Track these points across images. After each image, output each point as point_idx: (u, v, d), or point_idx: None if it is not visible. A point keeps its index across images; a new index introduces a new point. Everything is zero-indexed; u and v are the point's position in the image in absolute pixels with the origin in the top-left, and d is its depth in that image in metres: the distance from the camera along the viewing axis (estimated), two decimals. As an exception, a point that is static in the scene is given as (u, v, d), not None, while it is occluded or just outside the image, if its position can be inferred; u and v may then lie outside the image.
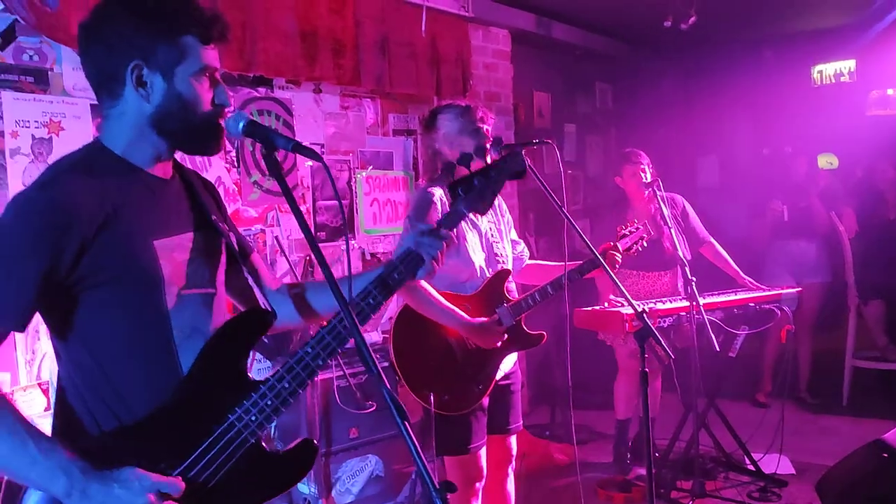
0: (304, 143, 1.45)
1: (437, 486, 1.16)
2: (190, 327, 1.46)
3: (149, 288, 1.40)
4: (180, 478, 1.34)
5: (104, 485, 1.26)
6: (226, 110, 1.50)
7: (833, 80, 6.32)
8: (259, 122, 1.48)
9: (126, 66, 1.40)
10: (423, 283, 2.51)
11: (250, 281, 1.69)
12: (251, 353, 1.53)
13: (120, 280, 1.37)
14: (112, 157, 1.44)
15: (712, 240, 4.21)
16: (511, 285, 2.78)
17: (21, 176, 2.94)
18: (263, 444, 1.48)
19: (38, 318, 1.38)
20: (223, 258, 1.60)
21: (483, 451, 2.71)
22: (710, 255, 4.21)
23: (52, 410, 1.44)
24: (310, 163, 4.06)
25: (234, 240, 1.62)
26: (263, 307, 1.60)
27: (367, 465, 3.82)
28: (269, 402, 1.43)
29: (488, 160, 2.71)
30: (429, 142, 2.81)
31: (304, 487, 3.57)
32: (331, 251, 4.19)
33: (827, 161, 6.12)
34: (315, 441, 1.57)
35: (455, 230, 1.73)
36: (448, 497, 1.16)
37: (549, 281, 2.72)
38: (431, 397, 2.51)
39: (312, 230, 4.13)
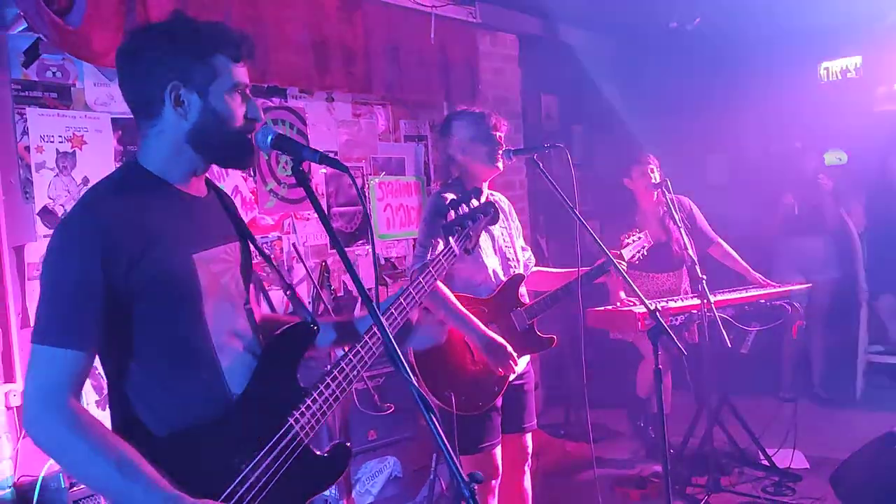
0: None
1: (466, 478, 1.21)
2: (227, 332, 1.55)
3: (189, 299, 1.49)
4: None
5: None
6: (257, 124, 1.58)
7: (840, 77, 6.34)
8: (286, 136, 1.55)
9: (165, 87, 1.49)
10: (442, 287, 2.57)
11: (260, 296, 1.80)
12: (299, 364, 1.62)
13: (163, 294, 1.45)
14: (148, 176, 1.52)
15: (720, 240, 4.27)
16: (523, 289, 2.84)
17: (47, 189, 3.03)
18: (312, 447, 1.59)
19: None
20: (250, 267, 1.69)
21: (498, 450, 2.76)
22: (718, 255, 4.26)
23: (110, 422, 1.51)
24: (324, 170, 4.14)
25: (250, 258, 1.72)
26: (309, 321, 1.68)
27: (385, 467, 3.89)
28: (319, 406, 1.57)
29: (500, 167, 2.79)
30: (443, 147, 2.89)
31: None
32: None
33: (836, 157, 6.15)
34: (348, 444, 1.67)
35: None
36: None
37: (560, 286, 2.79)
38: (453, 398, 2.57)
39: (327, 237, 4.20)
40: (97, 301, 1.37)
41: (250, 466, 1.47)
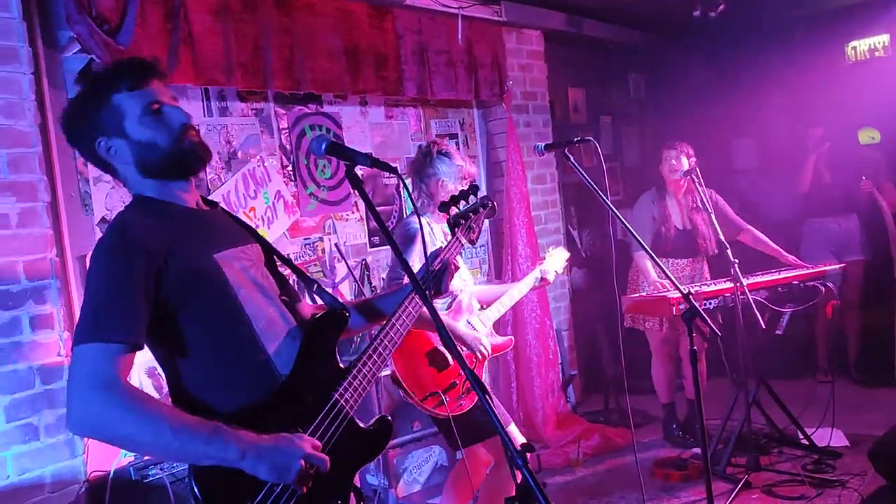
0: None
1: (518, 449, 1.33)
2: (267, 320, 1.68)
3: (223, 293, 1.62)
4: (328, 458, 1.56)
5: (271, 445, 1.49)
6: (190, 124, 1.67)
7: (867, 56, 6.32)
8: (339, 143, 1.68)
9: (95, 147, 1.64)
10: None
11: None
12: (336, 345, 1.77)
13: (196, 292, 1.58)
14: (153, 202, 1.67)
15: (749, 226, 4.33)
16: (474, 302, 3.07)
17: (104, 201, 3.21)
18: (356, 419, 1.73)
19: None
20: (275, 269, 1.84)
21: (512, 427, 2.94)
22: (749, 241, 4.32)
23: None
24: (360, 172, 4.28)
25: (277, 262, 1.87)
26: (342, 306, 1.82)
27: (431, 456, 4.03)
28: (359, 382, 1.72)
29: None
30: (420, 178, 3.07)
31: (373, 479, 3.78)
32: (384, 254, 4.40)
33: (868, 136, 6.12)
34: (389, 417, 1.81)
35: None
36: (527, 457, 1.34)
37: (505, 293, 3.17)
38: (444, 397, 2.72)
39: (366, 237, 4.35)
40: (139, 301, 1.49)
41: (309, 431, 1.60)
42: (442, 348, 2.85)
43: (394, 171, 1.63)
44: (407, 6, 4.29)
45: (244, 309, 1.63)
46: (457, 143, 4.87)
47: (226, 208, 1.89)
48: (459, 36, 4.58)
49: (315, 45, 3.85)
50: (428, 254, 1.99)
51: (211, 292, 1.60)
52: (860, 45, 6.40)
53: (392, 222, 4.50)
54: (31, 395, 2.85)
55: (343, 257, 4.10)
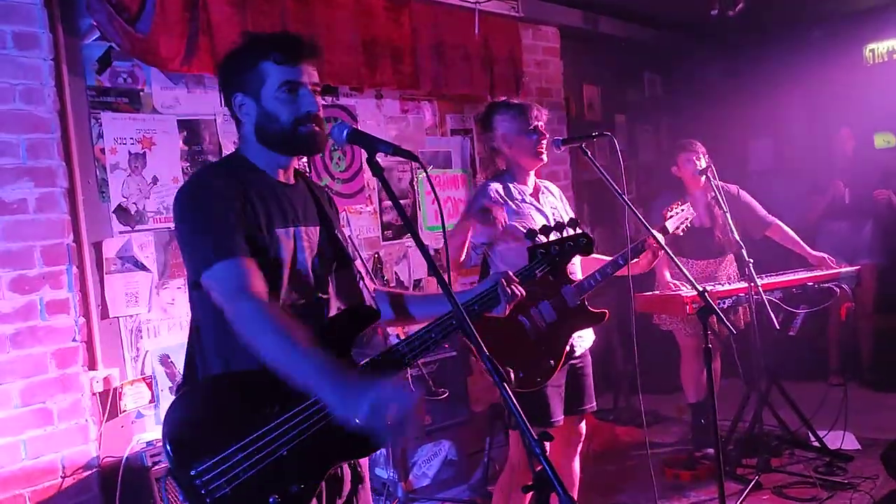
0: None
1: (536, 437, 1.33)
2: (297, 299, 1.75)
3: (269, 266, 1.68)
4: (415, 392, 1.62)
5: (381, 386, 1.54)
6: (315, 115, 1.74)
7: (886, 59, 6.27)
8: (361, 130, 1.69)
9: (232, 98, 1.78)
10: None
11: (357, 281, 1.96)
12: (355, 341, 1.79)
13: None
14: (245, 162, 1.78)
15: (778, 221, 4.26)
16: (575, 267, 2.93)
17: (121, 188, 3.22)
18: None
19: (142, 317, 1.65)
20: (332, 253, 1.87)
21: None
22: (778, 237, 4.26)
23: (185, 351, 1.81)
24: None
25: (345, 245, 1.92)
26: (370, 305, 1.83)
27: (441, 450, 4.03)
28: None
29: (544, 158, 2.91)
30: (486, 140, 3.02)
31: (383, 472, 3.78)
32: (397, 248, 4.41)
33: (884, 140, 6.08)
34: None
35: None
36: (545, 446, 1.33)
37: (607, 262, 2.88)
38: (512, 374, 2.68)
39: (379, 230, 4.35)
40: (239, 219, 1.63)
41: (287, 416, 1.61)
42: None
43: (415, 158, 1.63)
44: (423, 0, 4.28)
45: (281, 286, 1.70)
46: (471, 139, 4.86)
47: (312, 181, 1.97)
48: (476, 31, 4.57)
49: (333, 38, 3.85)
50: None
51: (260, 262, 1.66)
52: (879, 48, 6.36)
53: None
54: (45, 380, 2.87)
55: (356, 249, 4.10)
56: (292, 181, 1.84)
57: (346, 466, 1.82)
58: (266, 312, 1.58)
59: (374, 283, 2.03)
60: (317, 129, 1.74)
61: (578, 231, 2.24)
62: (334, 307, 1.86)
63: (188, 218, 1.68)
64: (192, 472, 1.53)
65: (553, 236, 2.23)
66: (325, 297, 1.83)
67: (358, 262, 1.99)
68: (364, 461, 1.91)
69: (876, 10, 5.99)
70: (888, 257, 5.31)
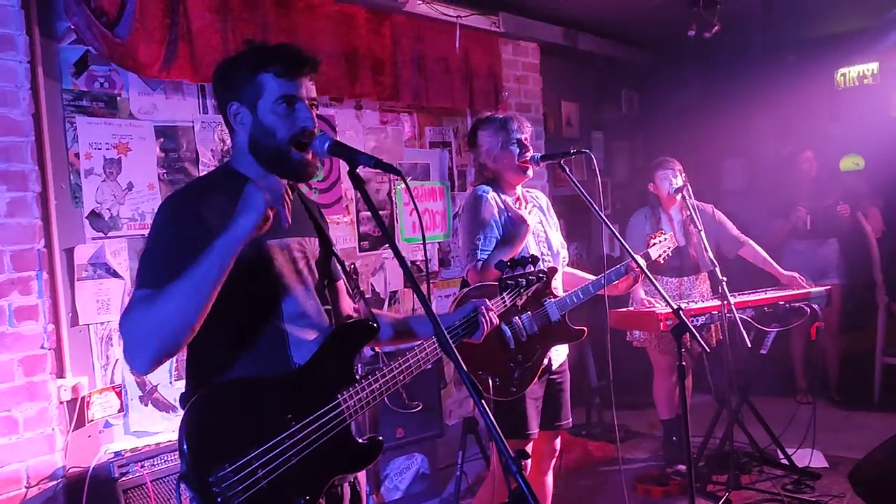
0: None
1: (513, 455, 1.33)
2: (297, 314, 1.73)
3: (263, 279, 1.68)
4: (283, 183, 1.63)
5: (238, 213, 1.55)
6: (312, 131, 1.72)
7: (856, 83, 6.41)
8: (342, 143, 1.68)
9: (228, 106, 1.74)
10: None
11: (354, 297, 1.97)
12: (357, 354, 1.79)
13: (239, 274, 1.61)
14: (236, 175, 1.75)
15: (750, 241, 4.32)
16: (556, 283, 2.94)
17: (95, 194, 3.17)
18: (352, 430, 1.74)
19: (113, 325, 1.63)
20: (330, 267, 1.89)
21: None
22: (749, 256, 4.31)
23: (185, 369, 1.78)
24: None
25: (341, 261, 1.93)
26: (371, 321, 1.83)
27: (413, 463, 4.00)
28: (367, 394, 1.74)
29: (530, 174, 2.93)
30: (474, 156, 3.06)
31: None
32: (373, 259, 4.40)
33: (853, 162, 6.21)
34: (380, 438, 1.81)
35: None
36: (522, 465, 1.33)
37: (590, 281, 2.90)
38: (489, 381, 2.68)
39: (356, 241, 4.34)
40: (189, 257, 1.55)
41: (299, 426, 1.62)
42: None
43: (397, 172, 1.63)
44: (405, 12, 4.30)
45: (280, 297, 1.70)
46: (450, 152, 4.87)
47: (304, 194, 1.95)
48: (457, 44, 4.59)
49: (314, 47, 3.84)
50: None
51: (254, 274, 1.66)
52: (850, 72, 6.50)
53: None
54: (11, 388, 2.81)
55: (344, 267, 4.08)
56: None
57: (346, 486, 1.81)
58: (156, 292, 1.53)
59: (349, 309, 2.02)
60: (309, 158, 1.73)
61: (539, 268, 2.33)
62: (335, 320, 1.86)
63: (149, 235, 1.68)
64: (211, 479, 1.51)
65: (518, 270, 2.31)
66: (328, 308, 1.82)
67: (339, 283, 1.98)
68: (363, 482, 1.91)
69: (847, 35, 6.13)
70: (853, 277, 5.40)
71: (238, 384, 1.64)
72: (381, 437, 1.80)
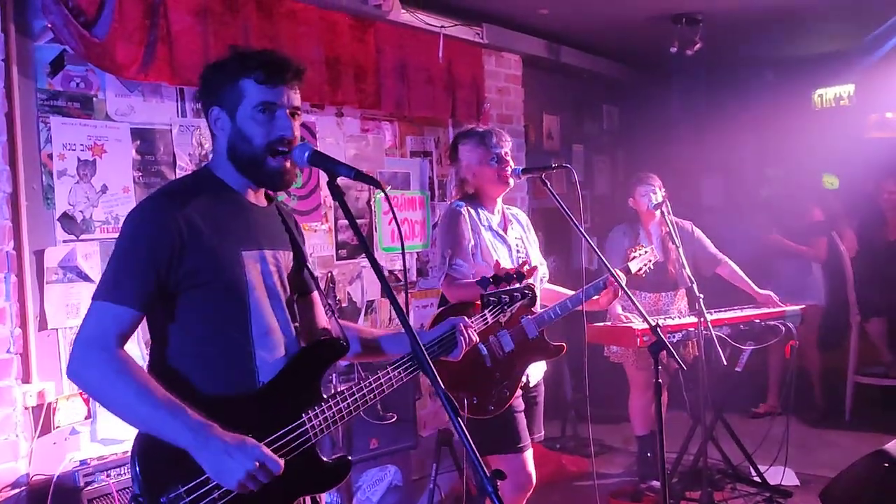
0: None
1: (489, 474, 1.30)
2: (267, 328, 1.69)
3: (232, 290, 1.64)
4: (283, 461, 1.54)
5: (223, 443, 1.48)
6: (290, 140, 1.69)
7: (833, 104, 6.50)
8: (323, 153, 1.66)
9: (209, 111, 1.74)
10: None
11: (327, 313, 1.95)
12: (325, 373, 1.77)
13: (208, 283, 1.60)
14: (214, 180, 1.72)
15: (727, 259, 4.33)
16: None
17: (67, 196, 3.11)
18: (318, 449, 1.71)
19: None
20: (301, 282, 1.86)
21: (529, 454, 2.87)
22: (726, 274, 4.33)
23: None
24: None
25: (314, 276, 1.91)
26: (341, 339, 1.81)
27: (386, 475, 3.96)
28: (333, 414, 1.70)
29: (510, 183, 2.93)
30: (455, 170, 3.06)
31: (327, 496, 3.70)
32: (351, 267, 4.36)
33: (829, 181, 6.30)
34: (349, 457, 1.79)
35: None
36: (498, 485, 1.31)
37: (568, 297, 2.89)
38: (465, 400, 2.66)
39: (334, 249, 4.30)
40: (154, 272, 1.57)
41: (275, 437, 1.60)
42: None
43: (377, 184, 1.60)
44: (389, 21, 4.28)
45: (249, 310, 1.66)
46: (430, 161, 4.85)
47: (284, 205, 1.92)
48: (440, 54, 4.58)
49: (296, 53, 3.80)
50: None
51: (223, 284, 1.63)
52: (827, 93, 6.60)
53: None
54: (-25, 393, 2.73)
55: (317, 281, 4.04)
56: (263, 203, 1.81)
57: (308, 499, 1.78)
58: (119, 364, 1.54)
59: (323, 321, 1.99)
60: (287, 165, 1.71)
61: (524, 284, 2.30)
62: (304, 337, 1.83)
63: (120, 239, 1.65)
64: (163, 500, 1.49)
65: (503, 286, 2.28)
66: (296, 325, 1.79)
67: (314, 294, 1.95)
68: (324, 498, 1.89)
69: (826, 57, 6.22)
70: (829, 297, 5.46)
71: (197, 401, 1.58)
72: (349, 457, 1.78)
